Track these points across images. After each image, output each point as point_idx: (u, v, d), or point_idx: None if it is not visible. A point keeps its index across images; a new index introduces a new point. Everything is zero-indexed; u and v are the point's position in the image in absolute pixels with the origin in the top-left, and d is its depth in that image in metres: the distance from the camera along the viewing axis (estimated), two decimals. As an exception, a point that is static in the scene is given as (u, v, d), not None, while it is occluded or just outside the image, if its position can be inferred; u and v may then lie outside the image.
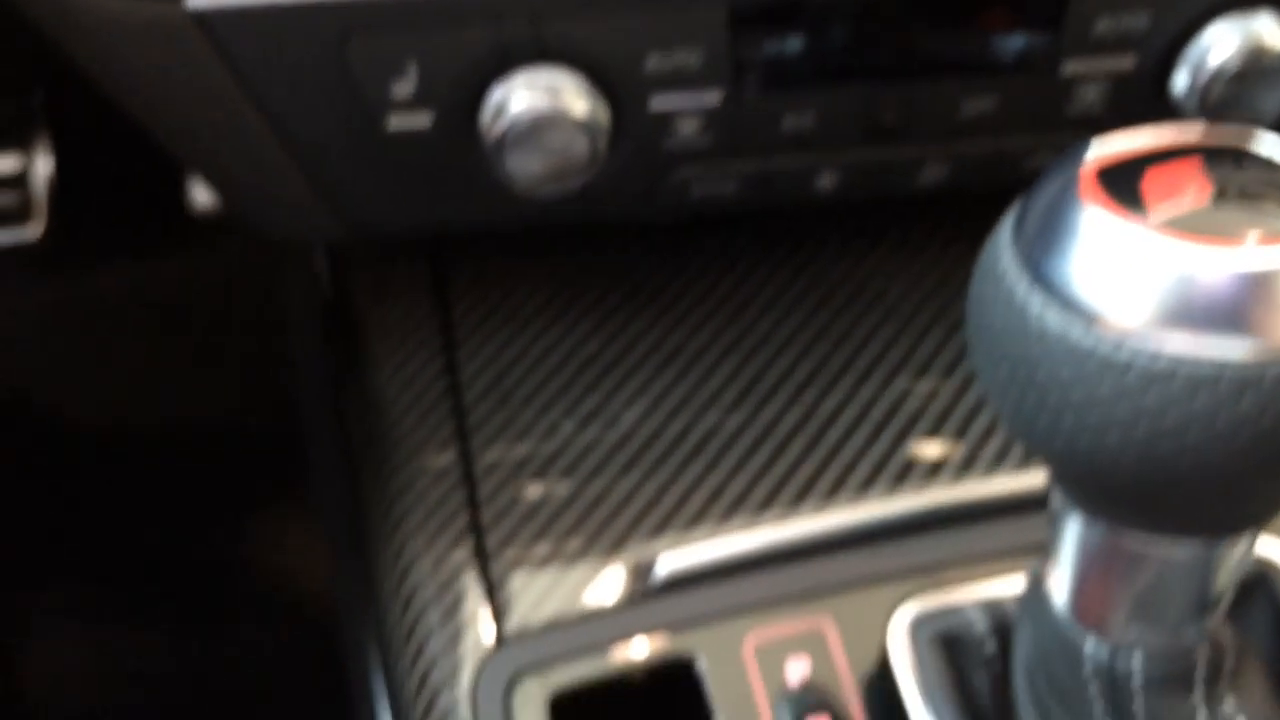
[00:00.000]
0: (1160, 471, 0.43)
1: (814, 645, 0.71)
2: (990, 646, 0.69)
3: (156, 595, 1.17)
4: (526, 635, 0.73)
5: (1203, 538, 0.51)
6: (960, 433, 0.81)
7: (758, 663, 0.70)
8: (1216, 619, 0.56)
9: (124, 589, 1.16)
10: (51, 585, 1.14)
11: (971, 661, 0.69)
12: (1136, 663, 0.56)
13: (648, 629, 0.72)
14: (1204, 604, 0.54)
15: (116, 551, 1.13)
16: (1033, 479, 0.75)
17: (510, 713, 0.71)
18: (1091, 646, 0.57)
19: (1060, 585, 0.57)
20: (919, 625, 0.70)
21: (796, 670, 0.70)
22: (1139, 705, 0.57)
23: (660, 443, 0.82)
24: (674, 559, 0.75)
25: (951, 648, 0.70)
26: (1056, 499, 0.54)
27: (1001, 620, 0.69)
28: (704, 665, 0.71)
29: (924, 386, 0.84)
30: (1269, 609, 0.71)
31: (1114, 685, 0.57)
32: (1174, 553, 0.52)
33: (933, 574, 0.72)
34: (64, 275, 1.04)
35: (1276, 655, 0.71)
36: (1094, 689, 0.58)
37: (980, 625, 0.69)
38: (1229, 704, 0.58)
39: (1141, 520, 0.51)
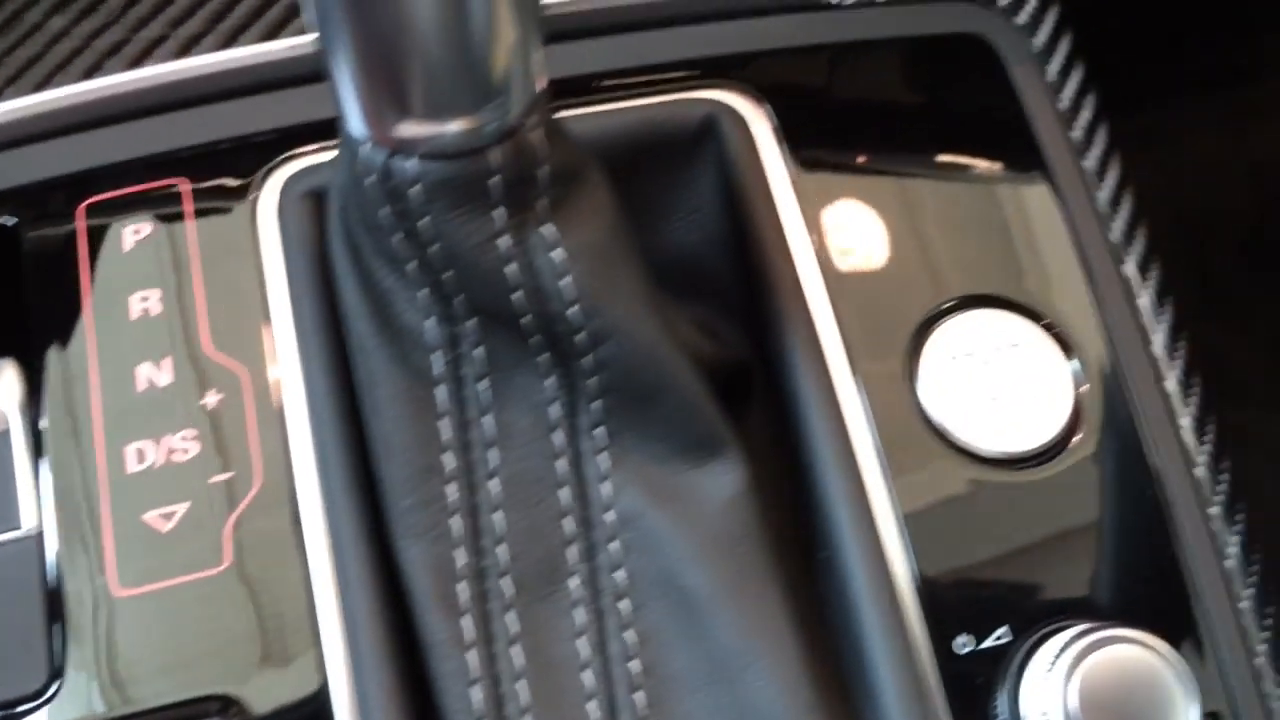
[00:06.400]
0: None
1: (163, 208, 0.58)
2: None
3: None
4: None
5: None
6: None
7: (88, 230, 0.58)
8: (516, 113, 0.45)
9: None
10: None
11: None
12: (412, 168, 0.45)
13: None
14: (472, 74, 0.43)
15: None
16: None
17: None
18: (369, 153, 0.46)
19: (336, 80, 0.45)
20: (295, 181, 0.58)
21: (135, 236, 0.58)
22: (428, 226, 0.46)
23: None
24: (-6, 113, 0.60)
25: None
26: None
27: None
28: (25, 233, 0.57)
29: None
30: (715, 164, 0.61)
31: (401, 204, 0.46)
32: None
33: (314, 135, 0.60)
34: None
35: (722, 212, 0.61)
36: (386, 214, 0.47)
37: None
38: (548, 230, 0.48)
39: None
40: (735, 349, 0.61)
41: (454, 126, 0.44)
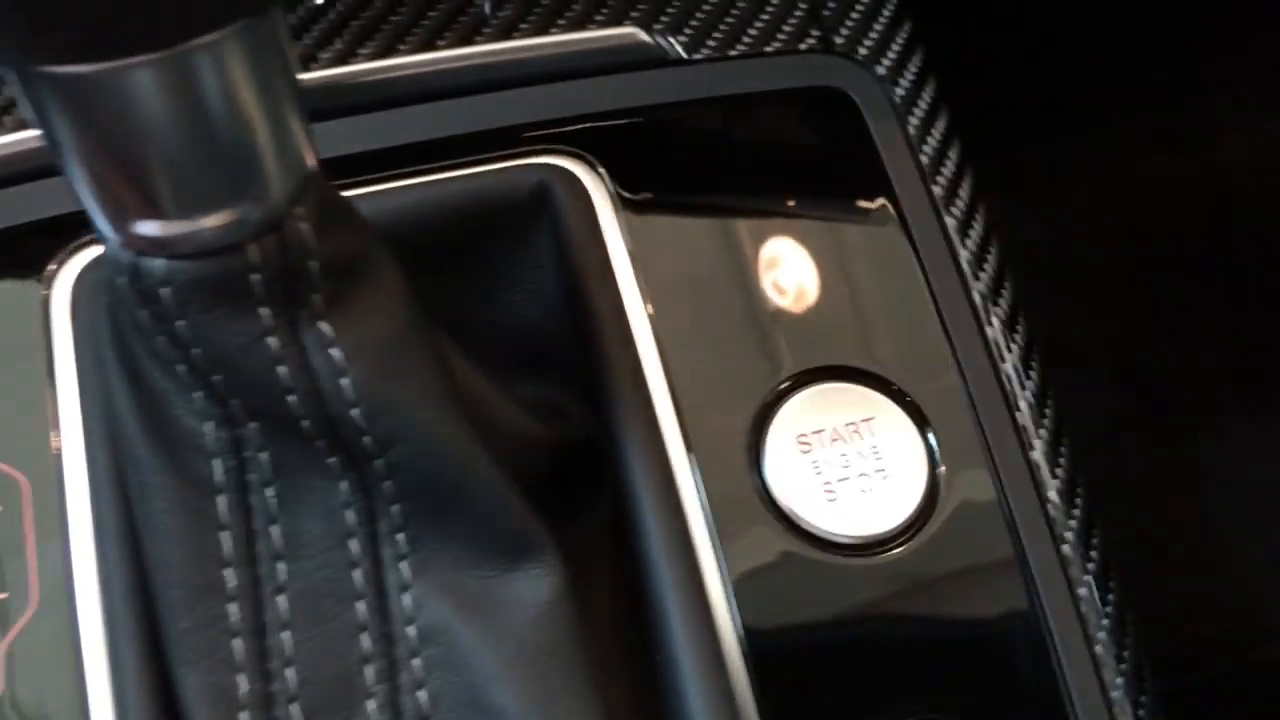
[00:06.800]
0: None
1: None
2: None
3: None
4: None
5: (100, 48, 0.35)
6: None
7: None
8: (279, 201, 0.41)
9: None
10: None
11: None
12: (160, 268, 0.41)
13: None
14: (216, 166, 0.39)
15: None
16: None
17: None
18: (116, 251, 0.42)
19: (70, 177, 0.41)
20: (92, 270, 0.54)
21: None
22: (187, 330, 0.43)
23: None
24: None
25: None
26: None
27: None
28: None
29: None
30: (551, 234, 0.58)
31: (155, 305, 0.42)
32: (114, 89, 0.36)
33: None
34: None
35: (561, 285, 0.58)
36: (145, 315, 0.43)
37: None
38: (324, 326, 0.44)
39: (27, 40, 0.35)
40: (581, 427, 0.58)
41: (207, 223, 0.40)
